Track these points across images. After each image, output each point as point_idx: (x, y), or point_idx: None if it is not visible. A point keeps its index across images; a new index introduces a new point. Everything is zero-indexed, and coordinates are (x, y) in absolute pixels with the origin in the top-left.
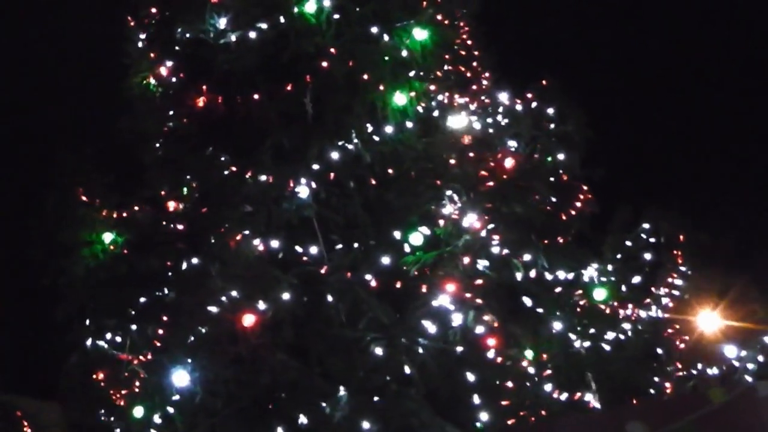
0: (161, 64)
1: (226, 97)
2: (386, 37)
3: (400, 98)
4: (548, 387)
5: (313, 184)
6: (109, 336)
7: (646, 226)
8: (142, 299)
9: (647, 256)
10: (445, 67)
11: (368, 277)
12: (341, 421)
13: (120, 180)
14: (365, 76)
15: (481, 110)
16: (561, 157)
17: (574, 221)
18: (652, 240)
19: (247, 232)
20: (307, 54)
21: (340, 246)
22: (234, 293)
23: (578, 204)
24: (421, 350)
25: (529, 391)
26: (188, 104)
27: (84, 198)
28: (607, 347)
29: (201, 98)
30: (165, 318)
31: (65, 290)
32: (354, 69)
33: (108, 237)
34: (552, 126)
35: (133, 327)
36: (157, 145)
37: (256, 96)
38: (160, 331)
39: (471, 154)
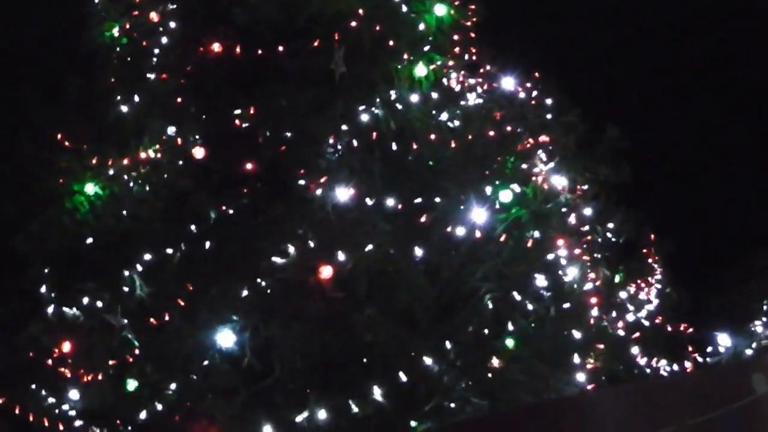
0: (152, 10)
1: (245, 49)
2: (404, 8)
3: (421, 69)
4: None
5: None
6: (86, 300)
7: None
8: (148, 256)
9: None
10: (456, 48)
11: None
12: (447, 378)
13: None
14: (390, 43)
15: (487, 94)
16: None
17: None
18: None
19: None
20: (336, 12)
21: (419, 199)
22: (310, 242)
23: None
24: (530, 305)
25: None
26: (197, 54)
27: (66, 144)
28: None
29: (215, 46)
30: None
31: (35, 250)
32: (380, 34)
33: (90, 188)
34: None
35: (125, 288)
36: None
37: (280, 48)
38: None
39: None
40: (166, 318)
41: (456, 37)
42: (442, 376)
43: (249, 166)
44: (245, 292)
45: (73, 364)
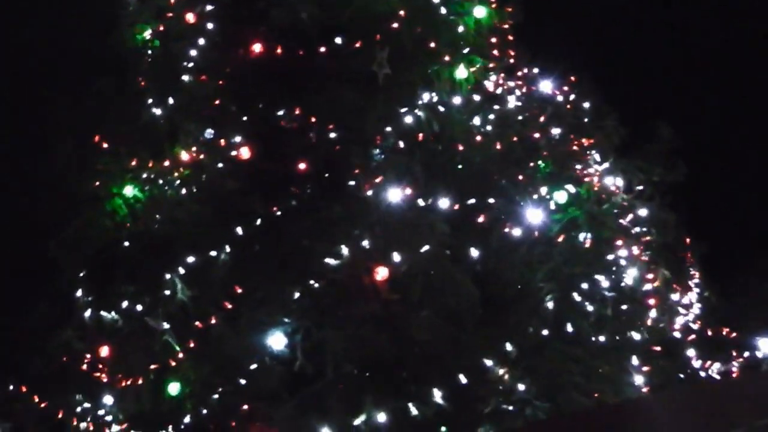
0: (188, 11)
1: (285, 50)
2: (444, 10)
3: (461, 71)
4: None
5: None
6: (125, 304)
7: None
8: (191, 258)
9: None
10: (494, 51)
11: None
12: (508, 379)
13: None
14: (432, 45)
15: (525, 97)
16: None
17: None
18: None
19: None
20: (376, 13)
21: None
22: (365, 243)
23: None
24: (590, 307)
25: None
26: (237, 55)
27: (104, 145)
28: None
29: (255, 47)
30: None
31: (70, 254)
32: (421, 35)
33: (129, 190)
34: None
35: (167, 292)
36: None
37: (322, 49)
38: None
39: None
40: (212, 321)
41: (494, 40)
42: (503, 377)
43: (302, 165)
44: (297, 294)
45: (111, 369)
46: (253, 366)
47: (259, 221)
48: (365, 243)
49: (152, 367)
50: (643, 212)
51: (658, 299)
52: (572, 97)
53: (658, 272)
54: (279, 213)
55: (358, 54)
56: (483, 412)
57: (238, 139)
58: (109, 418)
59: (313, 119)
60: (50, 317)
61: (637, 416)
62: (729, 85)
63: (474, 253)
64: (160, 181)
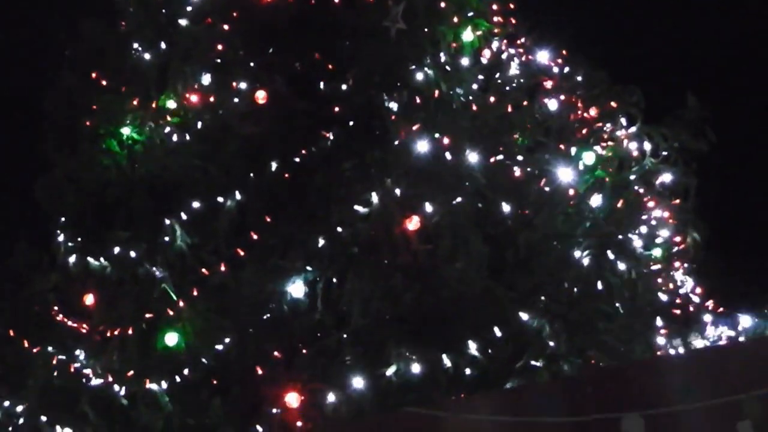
0: None
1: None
2: None
3: (468, 34)
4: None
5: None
6: (117, 250)
7: None
8: (196, 203)
9: None
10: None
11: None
12: (540, 331)
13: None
14: (442, 4)
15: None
16: None
17: None
18: None
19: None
20: None
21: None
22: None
23: None
24: (622, 265)
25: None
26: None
27: (104, 82)
28: None
29: None
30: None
31: (57, 195)
32: None
33: (126, 131)
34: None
35: (166, 239)
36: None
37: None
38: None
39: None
40: (221, 268)
41: (495, 6)
42: (540, 331)
43: (336, 109)
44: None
45: (96, 318)
46: (266, 316)
47: (275, 166)
48: (397, 191)
49: (147, 316)
50: (667, 177)
51: (682, 262)
52: (566, 69)
53: (686, 235)
54: (304, 158)
55: (372, 7)
56: (515, 366)
57: (243, 85)
58: (87, 371)
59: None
60: (30, 261)
61: (653, 376)
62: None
63: (506, 207)
64: (160, 123)
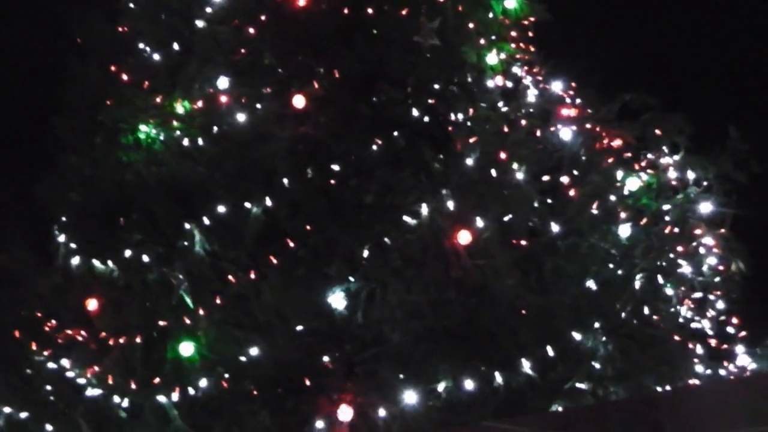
0: None
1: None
2: None
3: (492, 57)
4: None
5: None
6: (128, 253)
7: None
8: (221, 207)
9: None
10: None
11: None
12: (594, 353)
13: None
14: (471, 25)
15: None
16: None
17: None
18: None
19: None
20: None
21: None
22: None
23: None
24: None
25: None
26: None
27: (125, 77)
28: None
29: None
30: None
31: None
32: (463, 14)
33: (144, 129)
34: None
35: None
36: None
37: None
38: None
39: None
40: (251, 276)
41: (514, 33)
42: (594, 353)
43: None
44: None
45: (99, 325)
46: (300, 327)
47: (316, 171)
48: (449, 203)
49: (161, 324)
50: (707, 207)
51: (724, 291)
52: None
53: (730, 264)
54: (353, 163)
55: (404, 21)
56: (562, 388)
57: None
58: (81, 381)
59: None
60: (26, 262)
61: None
62: None
63: (555, 227)
64: (176, 124)
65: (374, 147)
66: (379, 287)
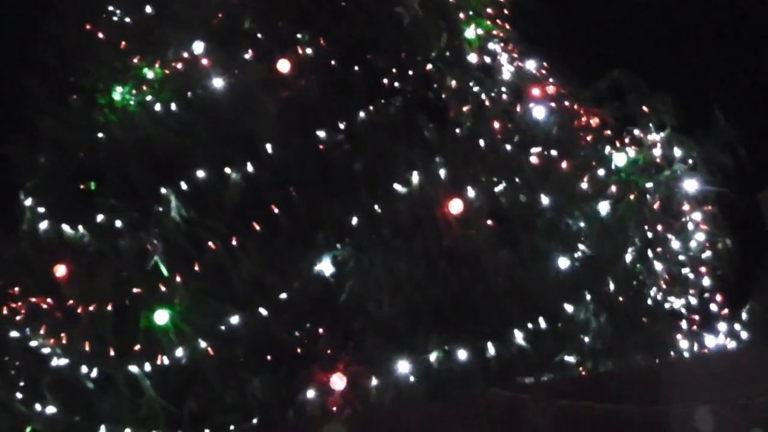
0: None
1: None
2: None
3: (470, 32)
4: None
5: None
6: (101, 218)
7: None
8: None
9: None
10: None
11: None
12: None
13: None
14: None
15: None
16: None
17: None
18: None
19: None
20: None
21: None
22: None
23: None
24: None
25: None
26: None
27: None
28: None
29: None
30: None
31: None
32: None
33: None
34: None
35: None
36: None
37: None
38: None
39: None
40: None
41: (490, 10)
42: (586, 325)
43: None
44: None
45: (68, 293)
46: (283, 295)
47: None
48: (441, 172)
49: (136, 291)
50: (692, 185)
51: (709, 268)
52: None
53: (718, 241)
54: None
55: None
56: (552, 360)
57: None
58: (46, 350)
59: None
60: None
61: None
62: None
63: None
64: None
65: (364, 114)
66: (367, 257)
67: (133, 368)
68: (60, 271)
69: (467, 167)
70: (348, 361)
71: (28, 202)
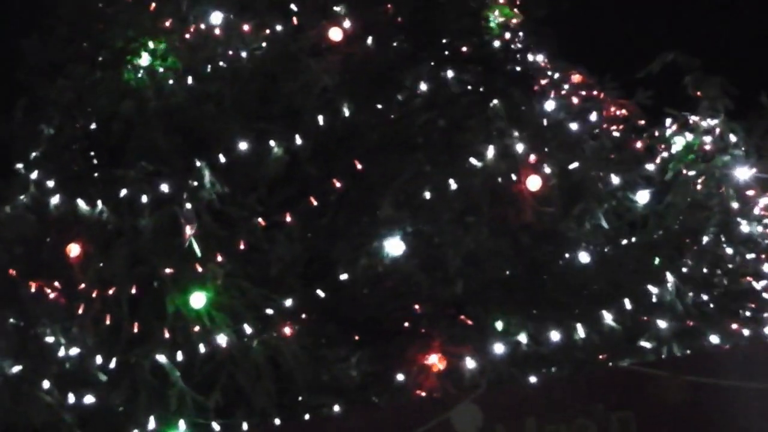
0: None
1: None
2: None
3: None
4: None
5: None
6: (123, 192)
7: None
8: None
9: None
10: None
11: None
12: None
13: None
14: None
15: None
16: None
17: None
18: None
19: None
20: None
21: None
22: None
23: None
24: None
25: None
26: None
27: None
28: None
29: None
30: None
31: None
32: None
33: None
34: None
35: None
36: None
37: None
38: None
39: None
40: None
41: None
42: (672, 308)
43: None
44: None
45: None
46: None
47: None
48: (519, 147)
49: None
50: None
51: None
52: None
53: None
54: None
55: None
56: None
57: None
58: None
59: None
60: None
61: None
62: None
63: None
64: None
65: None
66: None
67: (161, 357)
68: (74, 250)
69: (544, 142)
70: (443, 341)
71: (34, 175)
